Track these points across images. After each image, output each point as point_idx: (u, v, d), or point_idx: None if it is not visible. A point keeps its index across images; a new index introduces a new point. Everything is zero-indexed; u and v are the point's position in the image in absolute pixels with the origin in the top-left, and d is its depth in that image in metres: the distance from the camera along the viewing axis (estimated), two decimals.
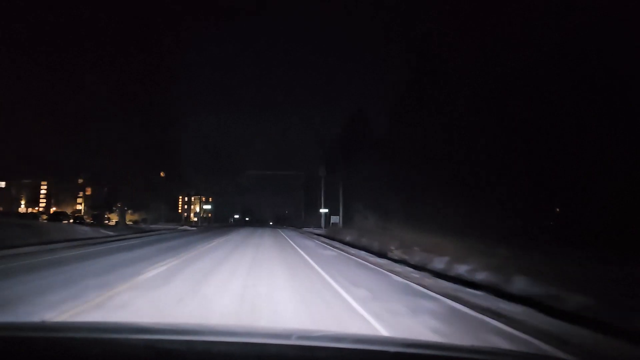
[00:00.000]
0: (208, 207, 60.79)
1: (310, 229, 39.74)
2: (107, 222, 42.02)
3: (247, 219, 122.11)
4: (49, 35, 18.32)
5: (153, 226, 37.44)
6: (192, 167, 49.10)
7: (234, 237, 22.25)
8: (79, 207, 68.01)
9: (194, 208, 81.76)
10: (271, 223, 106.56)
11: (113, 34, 21.64)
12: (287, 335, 1.65)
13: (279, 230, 39.40)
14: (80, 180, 62.21)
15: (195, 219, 71.09)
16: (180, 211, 76.41)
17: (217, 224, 61.04)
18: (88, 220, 40.09)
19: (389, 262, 10.80)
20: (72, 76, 20.11)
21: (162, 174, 51.80)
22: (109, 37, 21.42)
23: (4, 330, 1.65)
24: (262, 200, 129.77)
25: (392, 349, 1.47)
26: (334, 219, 32.96)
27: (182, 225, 41.59)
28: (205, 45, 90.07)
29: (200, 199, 67.24)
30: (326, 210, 37.10)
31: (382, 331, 4.17)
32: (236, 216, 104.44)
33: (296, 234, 31.77)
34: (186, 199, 77.68)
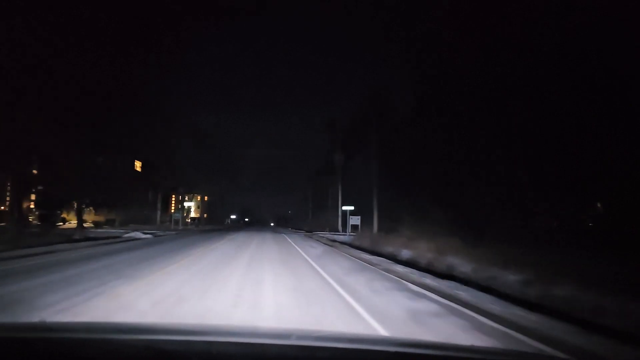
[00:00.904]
0: (190, 204, 51.35)
1: (326, 234, 30.55)
2: (61, 223, 33.73)
3: (246, 219, 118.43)
4: (49, 35, 18.27)
5: (100, 231, 27.89)
6: (193, 166, 47.74)
7: (183, 275, 8.51)
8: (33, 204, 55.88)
9: (188, 207, 78.58)
10: (272, 224, 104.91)
11: (113, 34, 21.63)
12: (287, 335, 1.65)
13: (286, 238, 26.54)
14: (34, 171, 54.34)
15: (187, 220, 63.66)
16: (173, 211, 71.65)
17: (210, 227, 53.88)
18: (33, 222, 31.19)
19: None
20: (71, 76, 20.13)
21: (138, 167, 45.20)
22: (109, 37, 21.41)
23: (4, 330, 1.65)
24: (263, 200, 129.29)
25: (391, 349, 1.47)
26: (354, 219, 26.41)
27: (134, 231, 26.76)
28: (205, 45, 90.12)
29: (194, 197, 62.89)
30: (351, 208, 28.33)
31: None
32: (233, 216, 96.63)
33: (323, 250, 16.72)
34: (181, 197, 73.99)
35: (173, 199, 57.60)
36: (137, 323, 3.26)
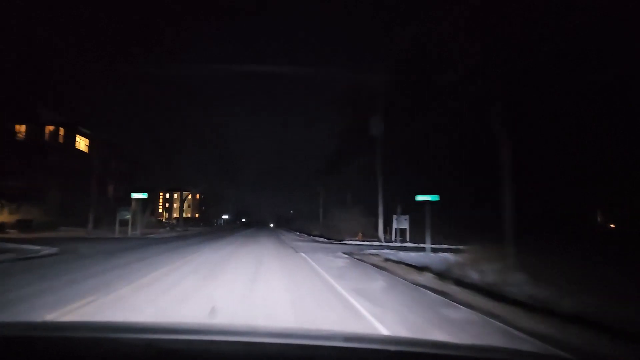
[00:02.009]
0: (141, 195, 30.10)
1: (381, 249, 16.40)
2: None
3: (243, 220, 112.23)
4: (49, 35, 18.31)
5: None
6: (189, 164, 46.96)
7: None
8: None
9: (178, 206, 70.50)
10: (272, 225, 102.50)
11: (113, 34, 21.67)
12: (288, 335, 1.65)
13: (326, 277, 8.47)
14: None
15: (176, 219, 56.73)
16: (161, 210, 62.87)
17: (194, 230, 45.03)
18: None
19: None
20: (71, 76, 20.23)
21: (83, 147, 34.50)
22: (109, 37, 21.45)
23: (4, 329, 1.64)
24: (263, 200, 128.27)
25: (392, 348, 1.47)
26: (401, 221, 17.89)
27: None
28: (205, 45, 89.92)
29: (185, 195, 58.17)
30: (430, 198, 13.97)
31: None
32: (225, 217, 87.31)
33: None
34: (168, 195, 64.87)
35: (161, 197, 54.22)
36: (138, 322, 3.27)
